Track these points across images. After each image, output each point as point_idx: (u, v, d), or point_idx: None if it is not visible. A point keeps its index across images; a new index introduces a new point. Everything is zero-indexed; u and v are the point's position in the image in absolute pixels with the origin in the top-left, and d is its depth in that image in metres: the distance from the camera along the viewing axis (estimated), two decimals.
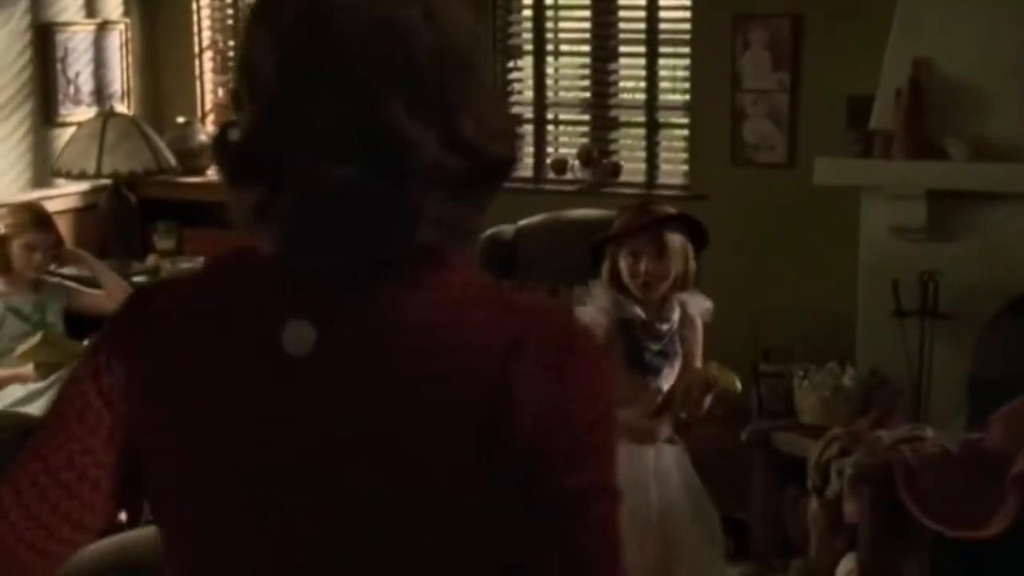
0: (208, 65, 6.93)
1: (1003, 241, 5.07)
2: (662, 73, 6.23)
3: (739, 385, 3.90)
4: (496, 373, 1.20)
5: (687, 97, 6.16)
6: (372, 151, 1.16)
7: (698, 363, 3.89)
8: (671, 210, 3.84)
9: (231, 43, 6.85)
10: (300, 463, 1.21)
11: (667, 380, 3.82)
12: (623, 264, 3.78)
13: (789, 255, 5.87)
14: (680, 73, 6.21)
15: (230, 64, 6.77)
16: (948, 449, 4.01)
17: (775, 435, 4.86)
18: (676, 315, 3.83)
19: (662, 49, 6.17)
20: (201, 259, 5.77)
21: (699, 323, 3.93)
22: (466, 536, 1.21)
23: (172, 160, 6.01)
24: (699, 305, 3.92)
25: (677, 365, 3.83)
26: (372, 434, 1.20)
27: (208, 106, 6.92)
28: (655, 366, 3.80)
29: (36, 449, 1.27)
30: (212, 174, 6.43)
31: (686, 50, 6.11)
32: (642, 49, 6.20)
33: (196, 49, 6.86)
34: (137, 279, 5.41)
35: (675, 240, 3.74)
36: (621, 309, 3.77)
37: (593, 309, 3.79)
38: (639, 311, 3.76)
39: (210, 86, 6.94)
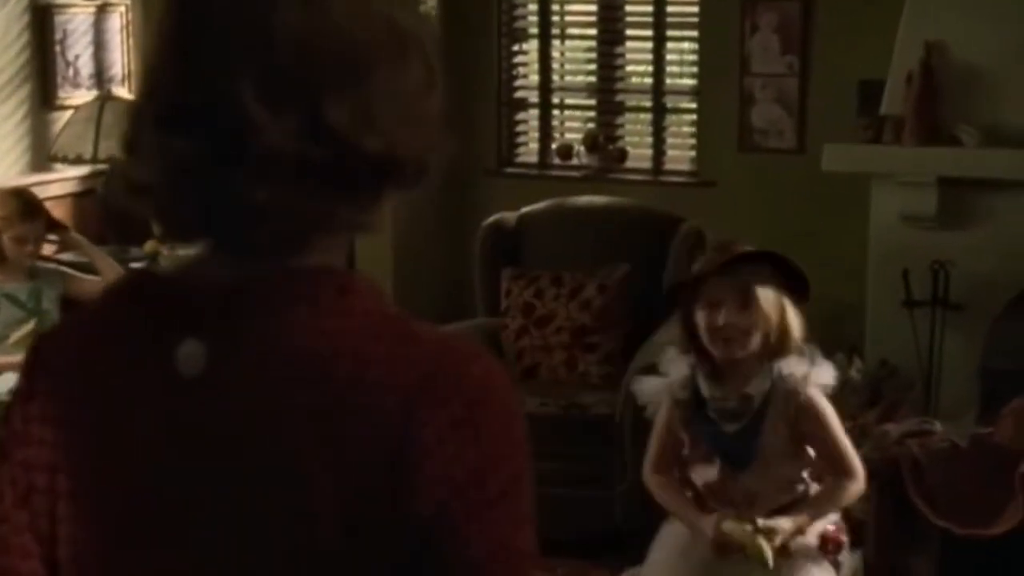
0: None
1: (1016, 230, 4.96)
2: (669, 57, 6.14)
3: (768, 557, 2.94)
4: (399, 419, 1.08)
5: (695, 82, 6.05)
6: (210, 127, 1.07)
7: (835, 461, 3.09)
8: (756, 249, 3.11)
9: None
10: (191, 484, 1.14)
11: (757, 476, 3.06)
12: (699, 316, 3.01)
13: (797, 243, 5.74)
14: (688, 57, 6.11)
15: None
16: (957, 444, 3.92)
17: None
18: (764, 387, 3.03)
19: (669, 33, 6.08)
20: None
21: (818, 403, 3.04)
22: None
23: None
24: (814, 377, 3.07)
25: (772, 456, 3.06)
26: (255, 465, 1.11)
27: None
28: (734, 454, 3.06)
29: None
30: None
31: (694, 34, 6.01)
32: (649, 33, 6.10)
33: None
34: (135, 264, 5.35)
35: (764, 287, 2.98)
36: (692, 383, 3.11)
37: (656, 384, 3.22)
38: (710, 383, 3.08)
39: None
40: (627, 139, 6.26)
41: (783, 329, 2.99)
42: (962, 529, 3.77)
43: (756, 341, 2.97)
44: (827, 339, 5.19)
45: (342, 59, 1.09)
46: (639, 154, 6.21)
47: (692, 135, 6.11)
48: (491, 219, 5.33)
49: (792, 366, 3.02)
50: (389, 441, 1.08)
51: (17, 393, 1.24)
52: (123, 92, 6.26)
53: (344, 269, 1.15)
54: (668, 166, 6.16)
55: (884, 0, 5.23)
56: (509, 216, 5.35)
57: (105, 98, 5.88)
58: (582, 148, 6.22)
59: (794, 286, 3.03)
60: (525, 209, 5.37)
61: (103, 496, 1.18)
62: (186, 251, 1.19)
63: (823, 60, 5.67)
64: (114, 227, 5.77)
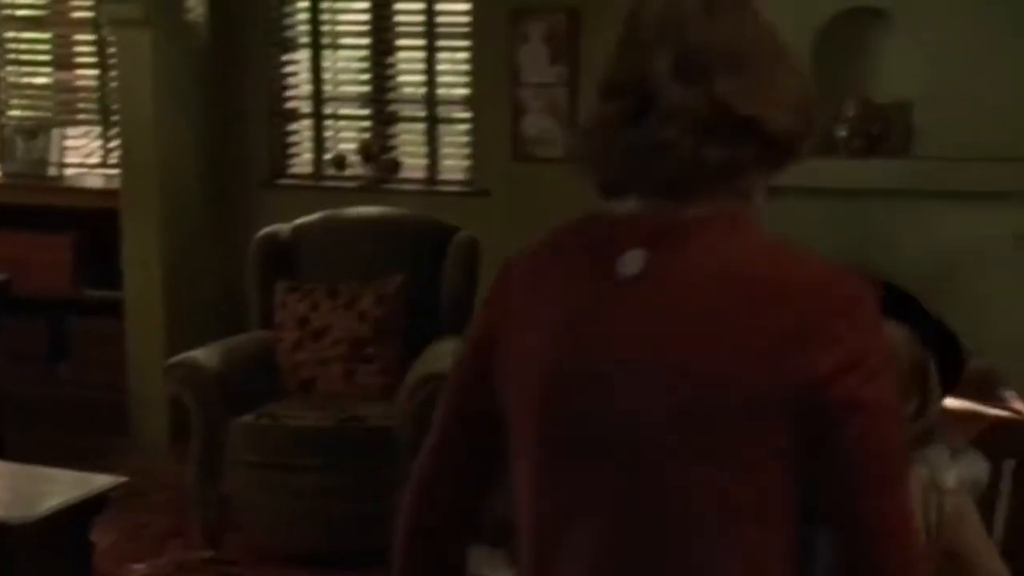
0: None
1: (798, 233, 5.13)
2: (442, 67, 6.14)
3: None
4: (811, 319, 1.43)
5: (467, 91, 6.08)
6: (634, 93, 1.52)
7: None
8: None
9: None
10: (611, 371, 1.50)
11: None
12: None
13: None
14: (460, 67, 6.13)
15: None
16: None
17: None
18: None
19: (441, 43, 6.09)
20: None
21: (967, 508, 2.23)
22: (746, 469, 1.44)
23: None
24: (959, 472, 2.23)
25: None
26: (680, 355, 1.46)
27: None
28: None
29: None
30: None
31: (465, 43, 6.03)
32: (421, 42, 6.10)
33: None
34: None
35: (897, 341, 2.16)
36: None
37: None
38: None
39: None
40: (401, 149, 6.25)
41: (924, 404, 2.23)
42: None
43: None
44: None
45: (730, 55, 1.51)
46: (414, 164, 6.20)
47: (466, 145, 6.13)
48: (264, 231, 5.24)
49: (935, 457, 2.24)
50: (796, 335, 1.43)
51: (487, 300, 1.66)
52: None
53: (731, 209, 1.51)
54: (443, 176, 6.18)
55: None
56: (283, 228, 5.27)
57: None
58: (356, 158, 6.18)
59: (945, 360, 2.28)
60: (299, 221, 5.30)
61: (549, 372, 1.55)
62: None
63: (591, 70, 5.76)
64: None
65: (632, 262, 1.51)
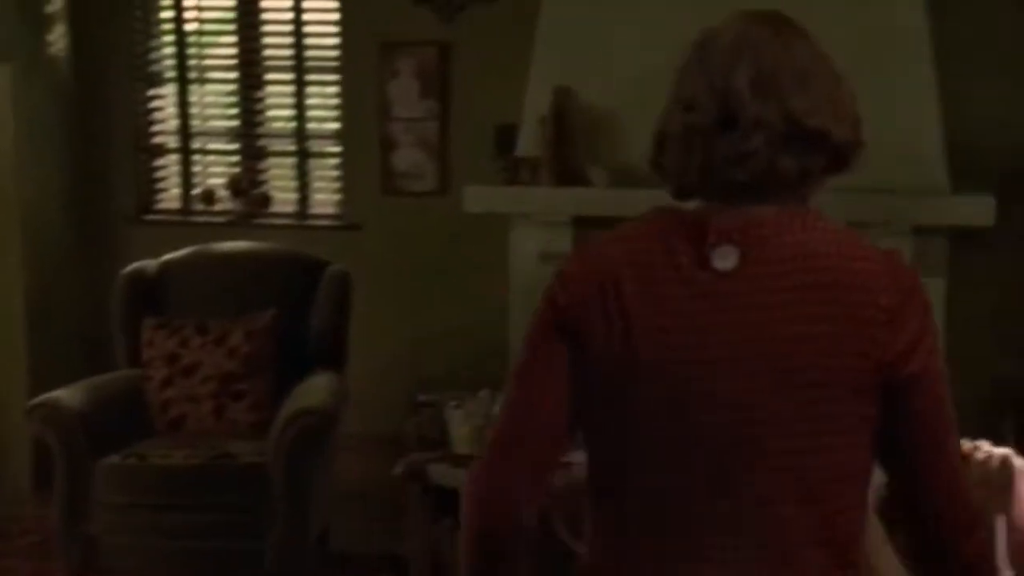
0: None
1: None
2: (312, 101, 6.13)
3: None
4: (884, 303, 1.67)
5: (338, 126, 6.07)
6: (716, 107, 1.73)
7: None
8: None
9: None
10: (716, 356, 1.69)
11: None
12: None
13: (444, 283, 5.87)
14: (330, 101, 6.12)
15: None
16: None
17: (430, 467, 4.81)
18: None
19: (310, 77, 6.08)
20: None
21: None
22: (841, 435, 1.68)
23: None
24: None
25: None
26: (779, 339, 1.67)
27: None
28: None
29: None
30: None
31: (335, 78, 6.03)
32: (290, 76, 6.08)
33: None
34: None
35: None
36: None
37: None
38: None
39: None
40: (272, 183, 6.21)
41: None
42: None
43: None
44: (473, 376, 5.33)
45: (799, 75, 1.74)
46: (284, 198, 6.17)
47: (337, 179, 6.12)
48: (130, 268, 5.15)
49: None
50: (874, 315, 1.67)
51: (565, 286, 1.80)
52: None
53: (803, 206, 1.75)
54: (313, 210, 6.15)
55: (516, 47, 5.40)
56: (150, 264, 5.19)
57: None
58: (226, 193, 6.13)
59: None
60: (167, 256, 5.22)
61: (654, 358, 1.71)
62: None
63: (461, 105, 5.81)
64: None
65: (727, 257, 1.71)
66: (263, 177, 6.21)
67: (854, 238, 1.74)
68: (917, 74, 4.97)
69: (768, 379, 1.67)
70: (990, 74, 5.26)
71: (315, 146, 6.15)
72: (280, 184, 6.22)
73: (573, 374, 1.76)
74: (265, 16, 6.09)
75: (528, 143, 5.26)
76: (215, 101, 6.31)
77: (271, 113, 6.22)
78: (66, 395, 4.64)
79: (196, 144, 6.25)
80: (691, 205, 1.77)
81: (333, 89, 6.08)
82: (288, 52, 6.07)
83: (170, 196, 6.26)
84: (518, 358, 1.83)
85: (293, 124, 6.14)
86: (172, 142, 6.22)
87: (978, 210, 4.82)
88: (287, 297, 5.03)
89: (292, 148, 6.15)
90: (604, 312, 1.73)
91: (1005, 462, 2.09)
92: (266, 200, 6.13)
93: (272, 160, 6.24)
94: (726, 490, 1.69)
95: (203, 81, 6.25)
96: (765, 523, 1.69)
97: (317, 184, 6.19)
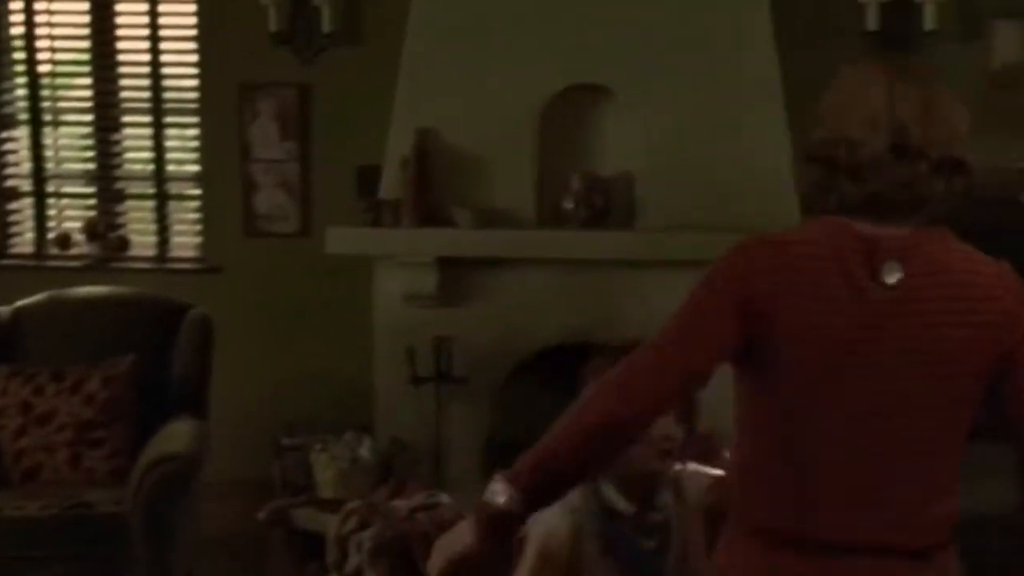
0: None
1: (511, 304, 5.25)
2: (171, 143, 6.05)
3: None
4: (1005, 309, 2.07)
5: (198, 168, 6.00)
6: (892, 143, 2.07)
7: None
8: None
9: None
10: (876, 360, 2.04)
11: None
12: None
13: (308, 325, 5.83)
14: (190, 143, 6.05)
15: None
16: (463, 514, 4.04)
17: (294, 512, 4.76)
18: (668, 497, 2.87)
19: (169, 119, 6.00)
20: None
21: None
22: (965, 413, 2.10)
23: None
24: (699, 484, 2.90)
25: (697, 556, 2.82)
26: (937, 340, 2.05)
27: None
28: (654, 572, 2.83)
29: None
30: None
31: (194, 120, 5.96)
32: (148, 119, 6.00)
33: None
34: None
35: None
36: (598, 500, 2.82)
37: (554, 513, 2.70)
38: (624, 501, 2.82)
39: None
40: (130, 227, 6.11)
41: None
42: None
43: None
44: (338, 419, 5.29)
45: (942, 110, 2.08)
46: (143, 241, 6.07)
47: (197, 221, 6.04)
48: None
49: (689, 474, 2.91)
50: (1002, 319, 2.07)
51: (739, 277, 2.08)
52: None
53: (939, 227, 2.10)
54: (173, 253, 6.06)
55: (378, 89, 5.41)
56: (3, 310, 5.06)
57: None
58: (82, 237, 6.01)
59: None
60: (20, 303, 5.09)
61: (805, 361, 2.06)
62: None
63: (323, 146, 5.79)
64: None
65: (893, 271, 2.04)
66: (121, 220, 6.10)
67: (974, 254, 2.11)
68: (770, 118, 5.11)
69: (919, 372, 2.04)
70: None
71: (174, 188, 6.06)
72: (139, 227, 6.11)
73: (733, 339, 2.07)
74: (121, 57, 6.00)
75: (391, 184, 5.26)
76: (70, 144, 6.19)
77: (129, 155, 6.12)
78: None
79: (51, 187, 6.11)
80: (864, 224, 2.08)
81: (192, 131, 6.01)
82: (145, 94, 5.98)
83: (23, 241, 6.11)
84: (686, 303, 2.10)
85: (152, 166, 6.04)
86: (25, 185, 6.08)
87: None
88: (147, 342, 4.94)
89: (151, 191, 6.06)
90: (775, 294, 2.05)
91: None
92: (124, 243, 6.02)
93: (130, 203, 6.13)
94: (867, 460, 2.06)
95: (57, 123, 6.12)
96: (894, 489, 2.08)
97: (177, 227, 6.10)
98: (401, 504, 4.20)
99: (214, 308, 5.10)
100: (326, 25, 5.64)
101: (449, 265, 5.19)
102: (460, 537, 2.19)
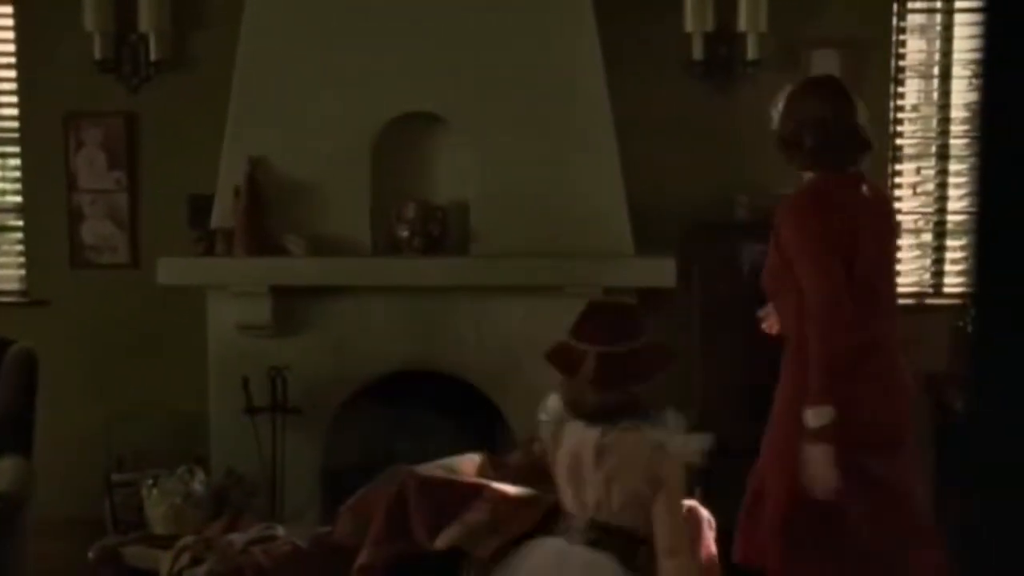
0: None
1: (347, 332, 5.22)
2: None
3: None
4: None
5: (20, 199, 5.83)
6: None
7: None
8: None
9: None
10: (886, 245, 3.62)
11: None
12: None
13: (139, 358, 5.71)
14: (12, 173, 5.88)
15: None
16: (299, 546, 4.01)
17: (125, 550, 4.65)
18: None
19: None
20: None
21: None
22: None
23: None
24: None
25: None
26: (893, 227, 3.84)
27: None
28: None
29: None
30: None
31: (16, 149, 5.80)
32: None
33: None
34: None
35: None
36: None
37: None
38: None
39: None
40: None
41: None
42: None
43: None
44: (173, 452, 5.19)
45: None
46: None
47: (21, 253, 5.87)
48: None
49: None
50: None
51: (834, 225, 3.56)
52: None
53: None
54: None
55: (208, 117, 5.35)
56: None
57: None
58: None
59: None
60: None
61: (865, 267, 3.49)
62: None
63: (152, 175, 5.69)
64: None
65: (868, 193, 3.63)
66: None
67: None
68: (601, 145, 5.19)
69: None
70: (669, 138, 5.55)
71: None
72: None
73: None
74: None
75: (223, 213, 5.19)
76: None
77: None
78: None
79: None
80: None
81: (15, 161, 5.84)
82: None
83: None
84: (810, 252, 3.43)
85: None
86: None
87: (659, 272, 5.04)
88: None
89: None
90: (852, 227, 3.41)
91: None
92: None
93: None
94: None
95: None
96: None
97: (0, 259, 5.92)
98: (236, 538, 4.14)
99: (41, 342, 4.95)
100: (153, 53, 5.55)
101: (283, 294, 5.14)
102: (827, 472, 3.34)
